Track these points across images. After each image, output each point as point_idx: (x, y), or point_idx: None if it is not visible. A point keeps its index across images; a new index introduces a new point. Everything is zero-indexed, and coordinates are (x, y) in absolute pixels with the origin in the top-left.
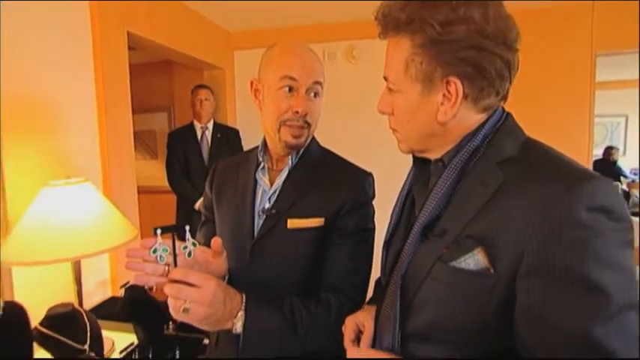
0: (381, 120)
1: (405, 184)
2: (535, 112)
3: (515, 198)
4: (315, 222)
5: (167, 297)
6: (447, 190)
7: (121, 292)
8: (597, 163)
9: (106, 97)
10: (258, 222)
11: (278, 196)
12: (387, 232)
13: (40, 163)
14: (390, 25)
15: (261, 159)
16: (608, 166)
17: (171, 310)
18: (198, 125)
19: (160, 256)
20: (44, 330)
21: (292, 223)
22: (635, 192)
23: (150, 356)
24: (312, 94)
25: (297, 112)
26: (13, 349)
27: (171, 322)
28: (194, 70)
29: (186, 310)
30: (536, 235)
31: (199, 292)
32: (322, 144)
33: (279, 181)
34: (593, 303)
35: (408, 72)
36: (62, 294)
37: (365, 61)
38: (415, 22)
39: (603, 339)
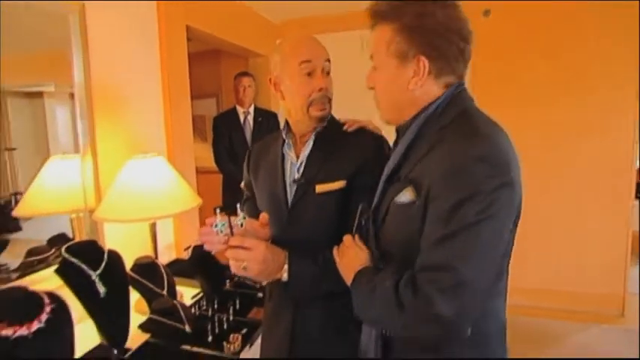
0: None
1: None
2: (576, 100)
3: (438, 152)
4: (339, 184)
5: (225, 261)
6: (404, 148)
7: (184, 255)
8: None
9: (170, 85)
10: (291, 191)
11: (305, 166)
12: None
13: (120, 141)
14: (377, 16)
15: (285, 137)
16: None
17: (232, 269)
18: (240, 110)
19: (220, 230)
20: (134, 275)
21: (320, 188)
22: None
23: (214, 305)
24: (326, 73)
25: (321, 89)
26: (116, 287)
27: (228, 281)
28: (239, 58)
29: (245, 268)
30: (438, 177)
31: (253, 253)
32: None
33: (304, 153)
34: (457, 224)
35: (388, 50)
36: (140, 251)
37: None
38: (395, 12)
39: (456, 244)
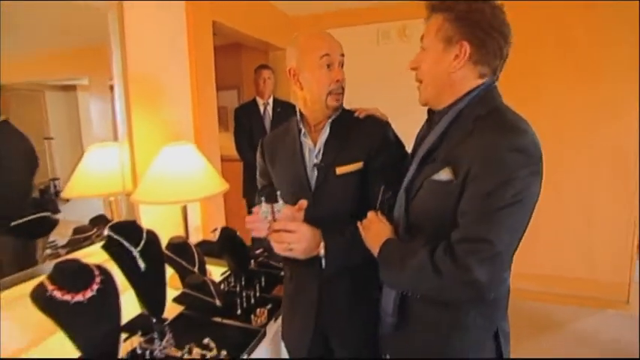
0: None
1: (418, 134)
2: (584, 88)
3: (478, 140)
4: (357, 166)
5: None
6: (441, 132)
7: (211, 236)
8: None
9: (197, 78)
10: (312, 175)
11: (323, 151)
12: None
13: (153, 130)
14: (433, 8)
15: (301, 126)
16: None
17: (277, 251)
18: (260, 101)
19: (266, 216)
20: (168, 253)
21: (340, 170)
22: None
23: (242, 282)
24: (341, 66)
25: (338, 81)
26: (154, 263)
27: (253, 260)
28: (259, 51)
29: (290, 250)
30: (476, 162)
31: (296, 235)
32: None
33: (322, 139)
34: (493, 204)
35: (437, 36)
36: (171, 232)
37: (416, 40)
38: (449, 5)
39: (492, 220)
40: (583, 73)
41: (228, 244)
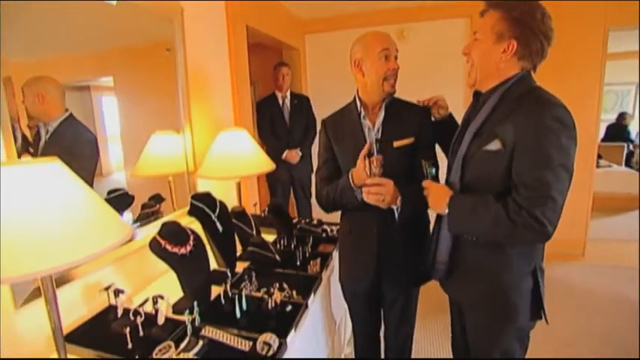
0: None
1: (465, 112)
2: (553, 81)
3: (523, 113)
4: (409, 140)
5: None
6: (489, 110)
7: (252, 209)
8: (610, 127)
9: (237, 75)
10: (373, 148)
11: (382, 130)
12: (455, 137)
13: (203, 119)
14: (492, 5)
15: (361, 110)
16: (619, 129)
17: (369, 200)
18: (279, 94)
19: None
20: (234, 220)
21: (397, 143)
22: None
23: (295, 242)
24: (395, 59)
25: (394, 69)
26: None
27: (298, 225)
28: (274, 50)
29: (383, 200)
30: (523, 138)
31: (386, 188)
32: None
33: (379, 120)
34: (546, 164)
35: (492, 30)
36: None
37: (413, 41)
38: (508, 5)
39: (548, 177)
40: (551, 70)
41: (278, 214)
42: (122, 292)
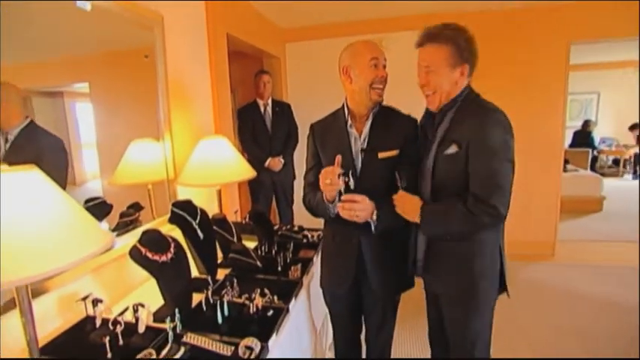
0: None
1: (420, 124)
2: (521, 91)
3: (469, 122)
4: (394, 152)
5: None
6: (449, 122)
7: (233, 216)
8: (576, 134)
9: (218, 84)
10: (357, 158)
11: (368, 139)
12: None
13: (183, 127)
14: (434, 37)
15: (348, 119)
16: (584, 136)
17: (345, 216)
18: (260, 102)
19: (341, 186)
20: (215, 227)
21: (382, 155)
22: (602, 156)
23: (276, 248)
24: (384, 67)
25: (382, 76)
26: (208, 233)
27: (279, 231)
28: (254, 58)
29: (357, 216)
30: (473, 137)
31: (361, 204)
32: None
33: (366, 129)
34: (494, 159)
35: (446, 60)
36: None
37: (391, 51)
38: (454, 38)
39: (496, 169)
40: (518, 81)
41: (259, 221)
42: (100, 301)
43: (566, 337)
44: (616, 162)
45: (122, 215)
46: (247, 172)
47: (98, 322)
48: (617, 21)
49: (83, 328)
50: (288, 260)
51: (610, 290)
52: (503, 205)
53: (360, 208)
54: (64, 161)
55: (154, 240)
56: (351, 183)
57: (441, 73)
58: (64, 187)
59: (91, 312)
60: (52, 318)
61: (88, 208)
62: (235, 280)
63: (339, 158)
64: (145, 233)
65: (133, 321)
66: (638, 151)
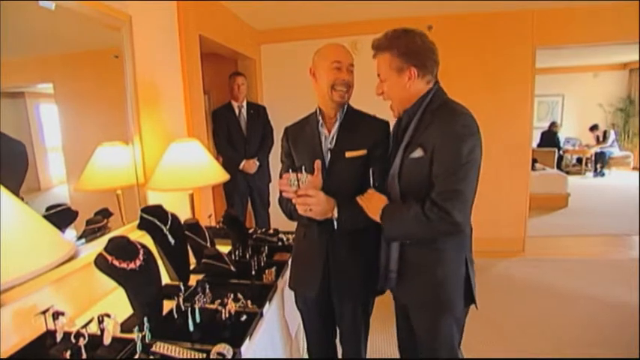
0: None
1: (393, 130)
2: (490, 93)
3: (437, 124)
4: (361, 152)
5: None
6: (414, 127)
7: (207, 221)
8: (544, 134)
9: (191, 86)
10: (326, 157)
11: (336, 139)
12: (390, 151)
13: (153, 129)
14: (379, 47)
15: (320, 118)
16: (550, 136)
17: (300, 212)
18: (235, 104)
19: (293, 184)
20: (187, 232)
21: (349, 154)
22: (567, 155)
23: (250, 252)
24: (349, 71)
25: (343, 80)
26: (179, 239)
27: (253, 234)
28: (229, 60)
29: (310, 210)
30: (438, 141)
31: (315, 199)
32: None
33: (334, 129)
34: (455, 163)
35: (391, 68)
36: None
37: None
38: (392, 44)
39: (457, 174)
40: (486, 83)
41: (233, 225)
42: (62, 314)
43: (536, 330)
44: (579, 161)
45: (89, 222)
46: (220, 175)
47: (59, 337)
48: (581, 28)
49: (43, 343)
50: (263, 264)
51: (578, 283)
52: (459, 212)
53: (313, 203)
54: (22, 166)
55: (121, 247)
56: (304, 178)
57: (390, 80)
58: (17, 194)
59: (51, 326)
60: (9, 334)
61: (49, 216)
62: (208, 286)
63: (318, 163)
64: (111, 240)
65: (99, 333)
66: (598, 150)
